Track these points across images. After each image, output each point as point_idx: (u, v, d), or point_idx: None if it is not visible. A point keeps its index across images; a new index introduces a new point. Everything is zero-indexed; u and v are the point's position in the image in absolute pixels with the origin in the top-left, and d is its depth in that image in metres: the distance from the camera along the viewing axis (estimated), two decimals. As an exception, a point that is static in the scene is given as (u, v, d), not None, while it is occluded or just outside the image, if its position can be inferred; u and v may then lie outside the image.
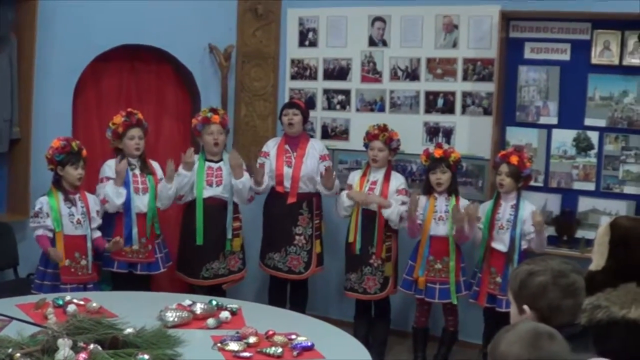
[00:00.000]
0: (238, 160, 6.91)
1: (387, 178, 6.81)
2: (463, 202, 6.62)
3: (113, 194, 6.44)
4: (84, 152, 6.21)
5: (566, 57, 6.81)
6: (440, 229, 6.60)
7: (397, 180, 6.86)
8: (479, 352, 6.75)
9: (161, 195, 6.70)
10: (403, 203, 6.74)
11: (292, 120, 7.03)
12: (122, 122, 6.52)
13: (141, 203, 6.59)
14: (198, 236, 6.81)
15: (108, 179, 6.52)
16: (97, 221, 6.33)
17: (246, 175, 6.95)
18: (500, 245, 6.39)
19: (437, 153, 6.59)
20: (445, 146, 6.77)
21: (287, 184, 7.03)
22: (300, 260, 7.08)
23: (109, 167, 6.58)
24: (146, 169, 6.68)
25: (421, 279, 6.62)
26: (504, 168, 6.38)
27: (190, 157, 6.77)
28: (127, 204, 6.52)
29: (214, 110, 6.92)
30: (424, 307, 6.79)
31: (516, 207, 6.38)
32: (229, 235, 6.93)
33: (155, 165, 6.81)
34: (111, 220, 6.53)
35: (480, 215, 6.54)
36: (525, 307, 3.01)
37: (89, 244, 6.19)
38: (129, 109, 6.68)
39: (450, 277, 6.57)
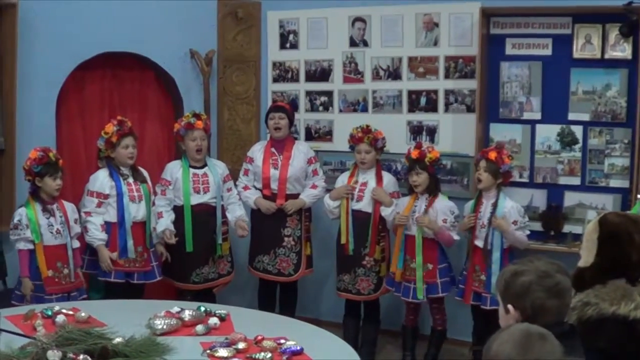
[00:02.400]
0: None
1: (379, 178, 6.83)
2: (441, 202, 6.61)
3: (95, 229, 6.44)
4: (61, 161, 6.16)
5: (548, 52, 6.82)
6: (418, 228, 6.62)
7: (389, 182, 6.88)
8: (469, 349, 6.76)
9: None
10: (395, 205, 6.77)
11: (279, 125, 7.03)
12: (116, 131, 6.46)
13: (138, 212, 6.55)
14: (187, 243, 6.80)
15: (99, 194, 6.45)
16: (76, 229, 6.30)
17: (242, 211, 7.08)
18: (483, 243, 6.40)
19: (414, 154, 6.58)
20: (426, 145, 6.75)
21: (274, 185, 7.03)
22: (289, 262, 7.08)
23: (100, 180, 6.49)
24: (139, 177, 6.63)
25: (398, 272, 6.64)
26: (482, 164, 6.40)
27: (172, 241, 6.77)
28: (121, 215, 6.49)
29: (197, 116, 6.89)
30: (412, 305, 6.79)
31: (495, 205, 6.38)
32: (219, 241, 6.92)
33: (144, 172, 6.75)
34: (108, 229, 6.49)
35: (459, 216, 6.59)
36: (510, 306, 3.02)
37: (70, 253, 6.16)
38: (119, 117, 6.63)
39: (417, 273, 6.56)
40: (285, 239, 7.06)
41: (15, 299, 6.00)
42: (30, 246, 6.00)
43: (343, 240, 6.90)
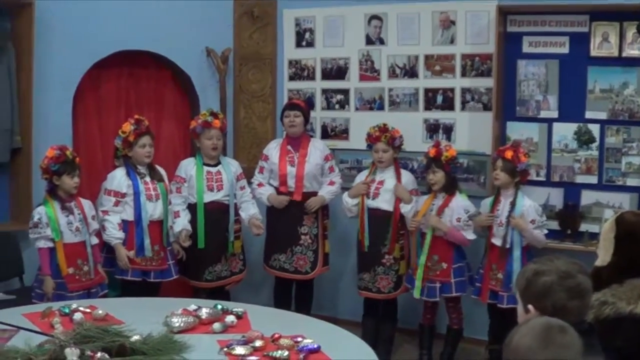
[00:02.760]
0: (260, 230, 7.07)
1: (398, 176, 6.81)
2: (457, 201, 6.59)
3: (113, 228, 6.45)
4: (78, 159, 6.18)
5: (565, 50, 6.79)
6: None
7: (408, 180, 6.86)
8: (485, 348, 6.75)
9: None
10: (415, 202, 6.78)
11: (294, 122, 7.02)
12: (133, 130, 6.45)
13: (155, 210, 6.55)
14: (199, 241, 6.80)
15: (117, 193, 6.45)
16: (94, 226, 6.31)
17: (255, 209, 7.10)
18: (500, 241, 6.37)
19: (431, 152, 6.57)
20: (444, 143, 6.74)
21: (291, 182, 7.03)
22: (306, 260, 7.08)
23: (117, 179, 6.49)
24: (156, 176, 6.63)
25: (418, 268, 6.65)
26: (499, 163, 6.37)
27: (186, 244, 6.77)
28: (138, 214, 6.50)
29: (214, 115, 6.88)
30: (429, 304, 6.78)
31: (513, 203, 6.36)
32: (231, 238, 6.93)
33: (161, 171, 6.76)
34: (125, 227, 6.50)
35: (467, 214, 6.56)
36: (530, 306, 3.00)
37: (89, 249, 6.17)
38: (136, 116, 6.61)
39: (418, 272, 6.57)
40: (302, 237, 7.06)
41: (35, 297, 6.01)
42: (51, 244, 5.99)
43: (360, 237, 6.91)
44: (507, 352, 2.66)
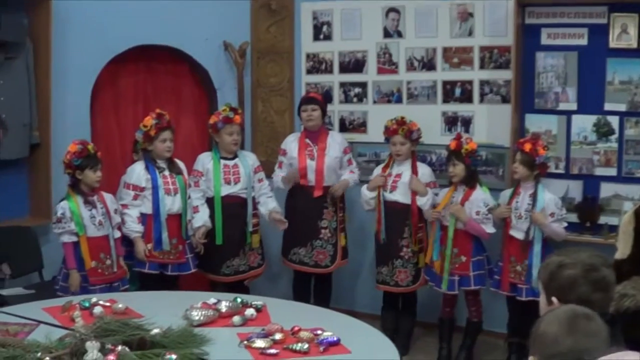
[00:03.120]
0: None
1: (415, 170, 6.80)
2: (477, 194, 6.56)
3: (132, 221, 6.49)
4: (99, 153, 6.19)
5: (584, 41, 6.74)
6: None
7: (425, 173, 6.85)
8: (504, 341, 6.73)
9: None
10: (435, 195, 6.79)
11: (311, 116, 7.02)
12: (154, 124, 6.48)
13: (173, 204, 6.60)
14: (217, 236, 6.80)
15: (135, 187, 6.50)
16: (116, 219, 6.33)
17: (274, 203, 7.06)
18: (519, 233, 6.34)
19: (452, 145, 6.56)
20: (465, 136, 6.72)
21: (311, 176, 7.03)
22: (326, 254, 7.07)
23: (136, 173, 6.54)
24: (175, 169, 6.67)
25: (436, 263, 6.63)
26: (518, 156, 6.36)
27: (201, 241, 6.76)
28: (156, 208, 6.52)
29: (234, 110, 6.88)
30: (448, 297, 6.77)
31: (534, 196, 6.33)
32: (250, 229, 6.93)
33: (180, 164, 6.79)
34: (144, 220, 6.54)
35: (490, 207, 6.53)
36: (554, 299, 2.99)
37: (112, 243, 6.19)
38: (158, 111, 6.62)
39: (445, 265, 6.55)
40: (322, 230, 7.05)
41: (60, 291, 6.05)
42: (75, 238, 6.02)
43: (376, 229, 6.92)
44: (534, 340, 2.66)
